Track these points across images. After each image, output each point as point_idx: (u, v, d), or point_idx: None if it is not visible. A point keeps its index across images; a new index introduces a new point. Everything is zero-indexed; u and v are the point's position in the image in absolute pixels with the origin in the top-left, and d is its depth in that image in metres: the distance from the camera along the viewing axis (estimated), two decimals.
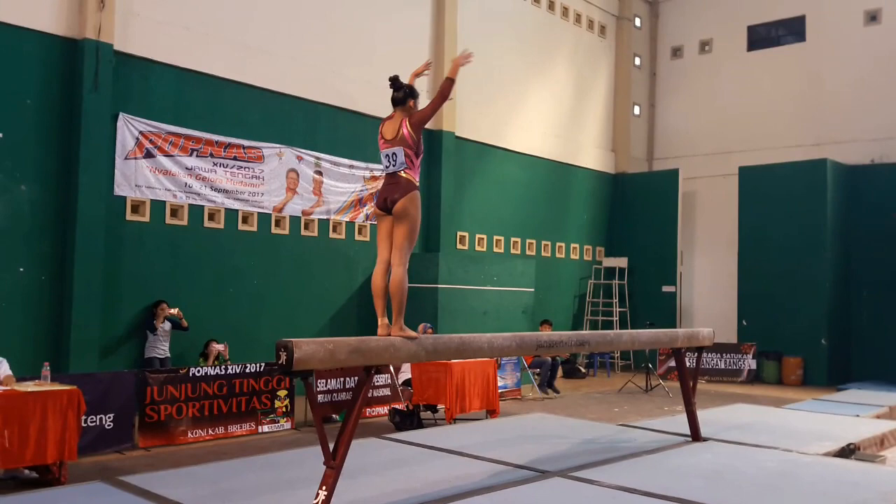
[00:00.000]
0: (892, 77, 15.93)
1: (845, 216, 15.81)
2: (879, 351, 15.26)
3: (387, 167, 5.04)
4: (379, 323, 4.94)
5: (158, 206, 10.23)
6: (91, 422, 7.17)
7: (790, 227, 15.63)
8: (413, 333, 4.88)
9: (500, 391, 10.46)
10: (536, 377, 12.52)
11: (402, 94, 5.12)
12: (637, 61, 19.17)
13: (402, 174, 4.97)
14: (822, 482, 5.96)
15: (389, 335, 4.83)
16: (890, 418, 10.36)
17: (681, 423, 7.83)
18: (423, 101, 5.26)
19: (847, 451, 7.48)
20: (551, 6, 16.73)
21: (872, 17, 16.39)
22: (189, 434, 7.98)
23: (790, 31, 17.62)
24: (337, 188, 12.35)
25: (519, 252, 15.78)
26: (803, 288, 15.37)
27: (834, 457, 7.26)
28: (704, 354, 15.06)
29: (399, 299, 4.87)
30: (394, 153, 4.99)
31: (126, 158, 9.90)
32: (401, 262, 4.91)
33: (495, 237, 15.28)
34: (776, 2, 17.65)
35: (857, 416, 9.98)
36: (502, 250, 15.42)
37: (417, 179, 5.04)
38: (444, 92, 4.97)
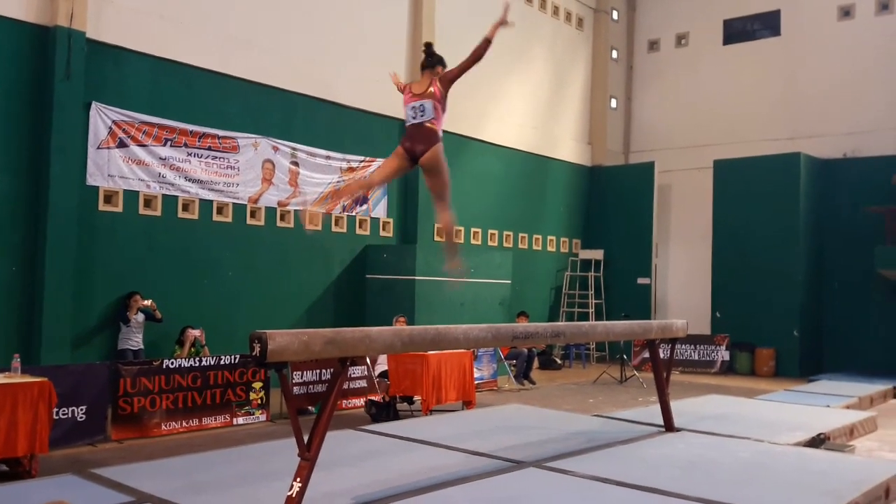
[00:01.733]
0: (864, 72, 16.13)
1: (818, 209, 16.01)
2: (850, 342, 15.49)
3: (413, 118, 5.32)
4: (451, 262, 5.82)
5: (131, 196, 10.11)
6: (63, 414, 7.08)
7: (764, 220, 15.80)
8: (461, 264, 5.66)
9: (476, 382, 10.49)
10: (513, 368, 12.56)
11: (435, 59, 5.50)
12: (614, 54, 19.25)
13: (428, 124, 5.27)
14: (793, 472, 6.03)
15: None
16: (859, 408, 10.53)
17: (655, 413, 7.89)
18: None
19: (817, 441, 7.59)
20: None
21: (846, 13, 16.57)
22: (163, 426, 7.92)
23: (765, 25, 17.77)
24: (313, 179, 12.28)
25: (496, 244, 15.81)
26: (776, 280, 15.55)
27: (805, 446, 7.37)
28: (678, 346, 15.20)
29: (452, 237, 5.73)
30: (422, 105, 5.28)
31: (99, 148, 9.78)
32: (446, 206, 5.52)
33: (472, 229, 15.29)
34: None
35: (828, 406, 10.13)
36: (479, 242, 15.44)
37: (441, 131, 5.33)
38: (478, 52, 5.32)
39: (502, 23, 5.41)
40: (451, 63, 5.63)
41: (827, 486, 5.56)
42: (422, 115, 5.26)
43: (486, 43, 5.29)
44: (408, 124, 5.39)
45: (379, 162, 13.23)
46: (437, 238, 14.44)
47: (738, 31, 18.16)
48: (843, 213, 15.79)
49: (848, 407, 10.43)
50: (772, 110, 17.30)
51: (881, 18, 16.12)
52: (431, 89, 5.31)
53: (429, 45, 5.55)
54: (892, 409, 11.35)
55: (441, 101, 5.29)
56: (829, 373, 14.69)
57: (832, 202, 16.01)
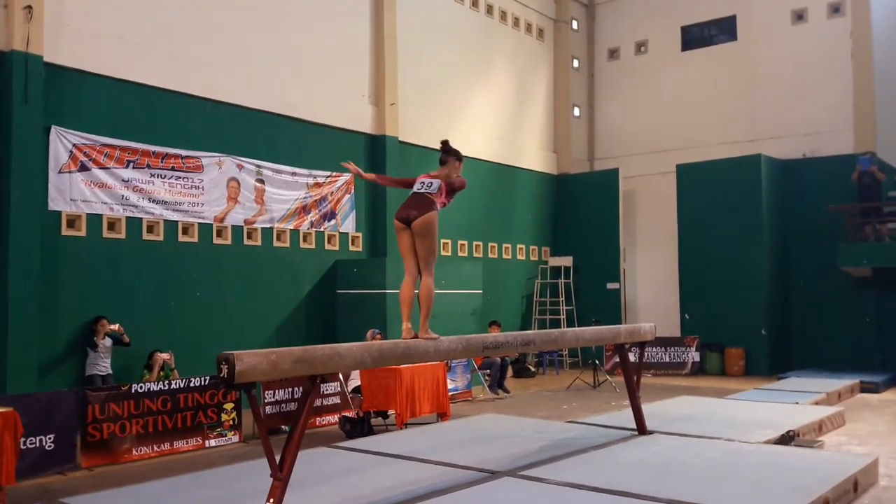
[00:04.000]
0: (819, 73, 16.48)
1: (781, 209, 16.29)
2: (817, 339, 15.75)
3: (418, 189, 5.66)
4: (403, 327, 5.55)
5: (95, 219, 9.99)
6: (31, 443, 6.97)
7: (728, 222, 16.03)
8: (435, 336, 5.48)
9: (450, 393, 10.51)
10: (487, 378, 12.59)
11: (451, 153, 5.89)
12: (575, 63, 19.45)
13: (429, 195, 5.60)
14: (764, 469, 6.13)
15: (416, 337, 5.44)
16: (827, 404, 10.71)
17: (627, 417, 7.97)
18: None
19: (787, 438, 7.71)
20: (489, 10, 16.86)
21: (799, 17, 16.93)
22: (133, 452, 7.82)
23: (722, 30, 18.10)
24: (280, 196, 12.24)
25: (466, 254, 15.86)
26: (743, 280, 15.77)
27: (774, 444, 7.48)
28: (649, 349, 15.37)
29: (427, 306, 5.59)
30: (431, 182, 5.68)
31: (60, 172, 9.66)
32: (429, 273, 5.65)
33: (442, 241, 15.30)
34: (708, 2, 18.12)
35: (797, 403, 10.28)
36: (450, 253, 15.47)
37: (439, 206, 5.64)
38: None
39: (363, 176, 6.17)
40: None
41: (797, 483, 5.65)
42: (427, 189, 5.63)
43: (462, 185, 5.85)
44: (411, 191, 5.73)
45: (346, 177, 13.27)
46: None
47: (695, 37, 18.46)
48: (804, 212, 16.07)
49: (816, 403, 10.60)
50: (731, 113, 17.60)
51: (833, 21, 16.48)
52: (444, 179, 5.72)
53: (444, 143, 5.99)
54: (859, 403, 11.56)
55: (448, 188, 5.70)
56: (797, 370, 14.91)
57: (794, 202, 16.29)
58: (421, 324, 5.50)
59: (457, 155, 5.91)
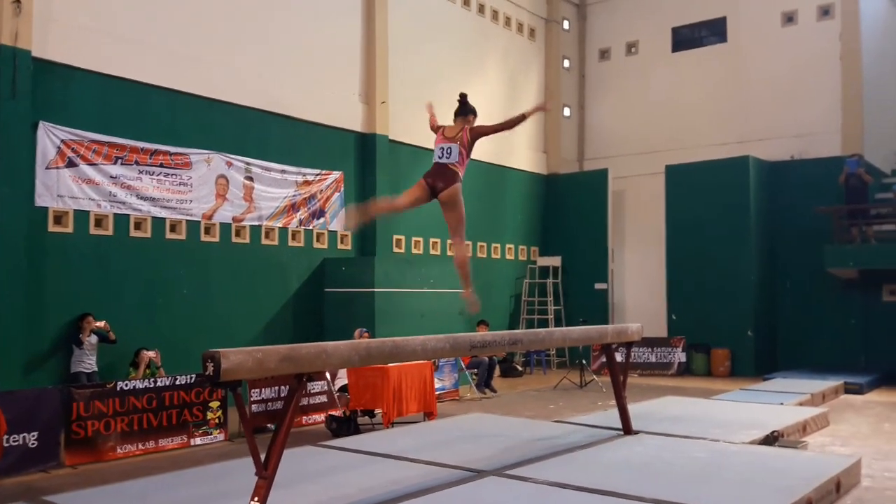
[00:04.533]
0: (808, 75, 16.57)
1: (768, 211, 16.37)
2: (803, 340, 15.85)
3: (440, 157, 5.90)
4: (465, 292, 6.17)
5: (82, 216, 9.94)
6: (14, 441, 6.94)
7: (716, 223, 16.10)
8: (475, 299, 6.01)
9: (437, 393, 10.52)
10: (474, 377, 12.60)
11: (468, 109, 6.21)
12: (566, 63, 19.48)
13: (451, 166, 5.83)
14: (748, 470, 6.16)
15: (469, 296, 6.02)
16: (812, 405, 10.77)
17: (613, 417, 7.99)
18: None
19: (771, 439, 7.76)
20: (481, 9, 16.87)
21: (789, 19, 17.01)
22: (118, 450, 7.78)
23: (712, 32, 18.17)
24: (269, 194, 12.21)
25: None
26: (730, 282, 15.84)
27: (759, 444, 7.52)
28: (636, 349, 15.41)
29: (465, 270, 6.03)
30: (449, 147, 5.88)
31: (47, 168, 9.61)
32: (461, 239, 5.97)
33: (431, 240, 15.32)
34: (698, 4, 18.18)
35: (781, 404, 10.34)
36: (439, 252, 15.47)
37: (462, 175, 5.91)
38: (511, 123, 6.02)
39: (541, 108, 6.26)
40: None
41: (780, 483, 5.69)
42: (447, 157, 5.85)
43: (522, 118, 6.03)
44: (434, 161, 5.96)
45: (335, 175, 13.24)
46: (395, 250, 14.46)
47: (686, 38, 18.53)
48: (792, 213, 16.16)
49: (801, 404, 10.66)
50: (721, 115, 17.67)
51: (823, 24, 16.56)
52: (461, 135, 5.93)
53: (463, 96, 6.23)
54: (844, 404, 11.64)
55: (467, 147, 5.89)
56: (783, 371, 14.98)
57: (782, 204, 16.38)
58: (467, 285, 6.07)
59: (474, 112, 6.19)
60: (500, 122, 5.98)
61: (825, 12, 16.56)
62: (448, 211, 5.92)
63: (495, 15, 17.30)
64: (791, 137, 16.69)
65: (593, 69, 19.92)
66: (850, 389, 12.78)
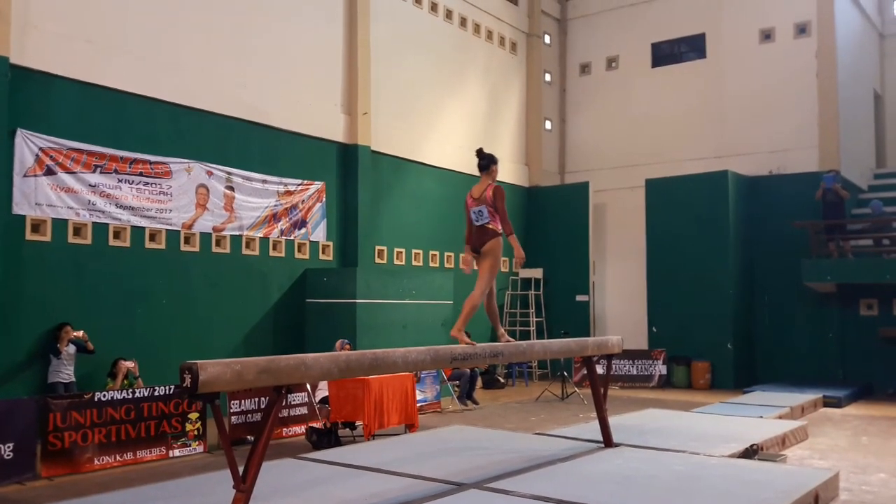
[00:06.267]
0: (785, 91, 16.79)
1: (747, 225, 16.52)
2: (782, 353, 15.97)
3: (476, 220, 6.44)
4: (498, 333, 6.80)
5: (60, 224, 9.85)
6: None
7: (695, 237, 16.22)
8: (467, 340, 6.17)
9: (419, 405, 10.47)
10: (456, 389, 12.58)
11: (486, 161, 6.64)
12: (547, 77, 19.62)
13: (489, 226, 6.37)
14: (727, 483, 6.18)
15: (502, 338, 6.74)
16: (791, 418, 10.84)
17: (594, 429, 8.00)
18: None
19: (750, 452, 7.79)
20: (463, 23, 16.95)
21: (767, 36, 17.25)
22: (95, 461, 7.69)
23: (692, 48, 18.37)
24: (249, 203, 12.16)
25: (437, 265, 15.86)
26: (709, 294, 15.95)
27: (738, 457, 7.55)
28: (617, 361, 15.50)
29: (468, 311, 6.28)
30: (480, 210, 6.42)
31: (25, 176, 9.51)
32: (481, 287, 6.37)
33: (413, 251, 15.32)
34: (678, 20, 18.40)
35: (761, 417, 10.39)
36: (421, 263, 15.47)
37: (500, 229, 6.38)
38: (508, 226, 6.40)
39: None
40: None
41: (759, 496, 5.71)
42: (482, 219, 6.39)
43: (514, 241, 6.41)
44: (473, 224, 6.46)
45: (317, 185, 13.21)
46: (377, 261, 14.43)
47: (665, 53, 18.72)
48: (770, 228, 16.31)
49: (780, 417, 10.73)
50: (700, 130, 17.86)
51: (799, 41, 16.81)
52: (486, 195, 6.40)
53: (479, 151, 6.74)
54: (822, 417, 11.73)
55: (492, 206, 6.35)
56: (762, 384, 15.07)
57: (760, 218, 16.54)
58: (457, 323, 6.28)
59: (493, 159, 6.64)
60: (506, 219, 6.42)
61: (802, 30, 16.80)
62: (480, 261, 6.43)
63: (477, 28, 17.39)
64: (769, 153, 16.90)
65: (574, 83, 20.07)
66: (828, 403, 12.87)
